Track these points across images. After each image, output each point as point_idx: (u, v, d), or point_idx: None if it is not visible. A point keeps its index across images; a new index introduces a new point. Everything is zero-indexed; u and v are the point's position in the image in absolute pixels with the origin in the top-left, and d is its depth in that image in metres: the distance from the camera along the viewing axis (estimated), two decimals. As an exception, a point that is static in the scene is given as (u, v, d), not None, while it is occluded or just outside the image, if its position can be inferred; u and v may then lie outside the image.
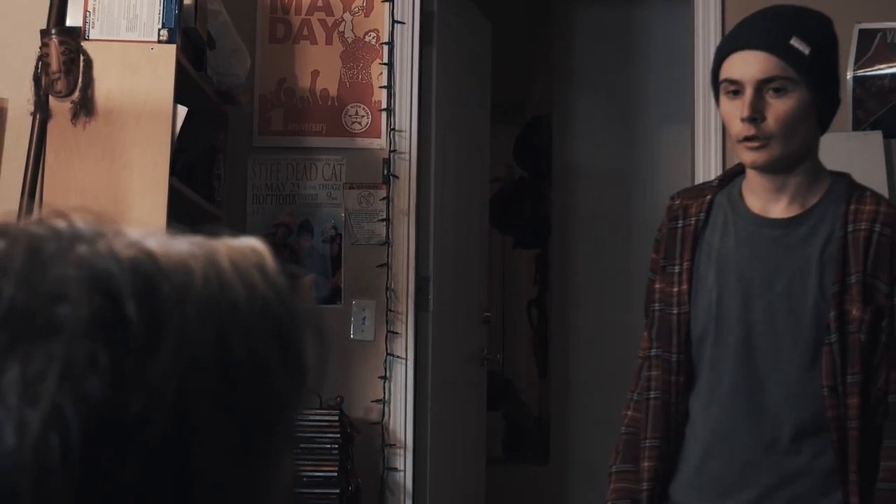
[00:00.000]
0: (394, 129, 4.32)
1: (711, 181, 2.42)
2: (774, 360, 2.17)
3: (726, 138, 4.27)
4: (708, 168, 4.27)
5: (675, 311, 2.26)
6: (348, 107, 4.35)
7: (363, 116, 4.34)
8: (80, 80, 3.38)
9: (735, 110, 2.17)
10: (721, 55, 2.24)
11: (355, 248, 4.29)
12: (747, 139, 2.16)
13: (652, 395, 2.28)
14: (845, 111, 4.24)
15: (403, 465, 4.22)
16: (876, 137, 4.16)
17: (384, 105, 4.34)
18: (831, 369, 2.10)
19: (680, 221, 2.31)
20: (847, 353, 2.10)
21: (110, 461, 0.57)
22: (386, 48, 4.36)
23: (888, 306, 2.12)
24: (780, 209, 2.23)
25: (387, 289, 4.26)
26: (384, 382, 4.22)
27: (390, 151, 4.31)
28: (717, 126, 4.28)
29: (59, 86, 3.38)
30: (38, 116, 3.43)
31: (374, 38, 4.38)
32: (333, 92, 4.35)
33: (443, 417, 4.54)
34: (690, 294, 2.25)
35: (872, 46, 4.27)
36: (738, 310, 2.20)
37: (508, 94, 6.90)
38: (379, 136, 4.34)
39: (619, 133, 6.08)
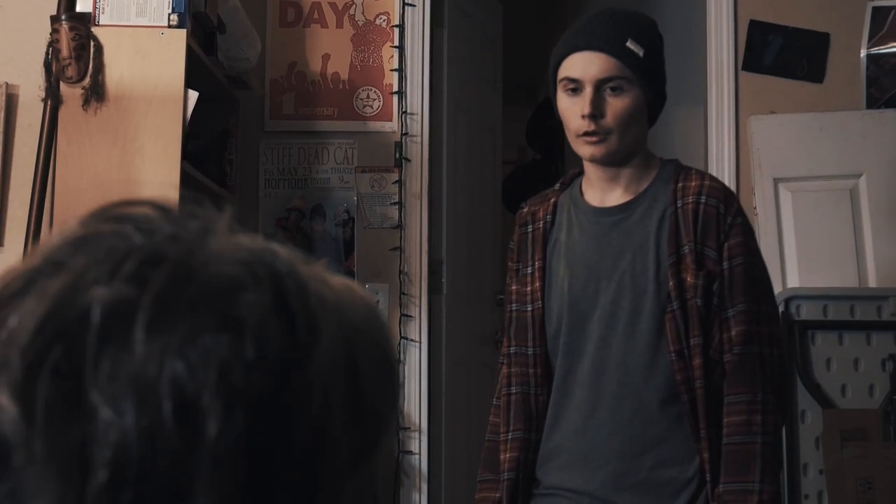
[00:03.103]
0: (405, 112, 4.31)
1: (554, 186, 2.54)
2: (626, 335, 2.28)
3: (739, 117, 4.26)
4: (721, 147, 4.25)
5: (529, 308, 2.40)
6: (359, 90, 4.34)
7: (374, 100, 4.34)
8: (90, 65, 3.38)
9: (575, 107, 2.31)
10: (561, 55, 2.35)
11: (368, 232, 4.29)
12: (587, 134, 2.30)
13: (512, 391, 2.42)
14: (859, 89, 4.22)
15: (418, 448, 4.22)
16: (891, 115, 4.14)
17: (395, 88, 4.33)
18: (676, 335, 2.24)
19: (529, 226, 2.48)
20: (688, 318, 2.24)
21: (271, 442, 0.60)
22: (397, 31, 4.35)
23: (717, 271, 2.26)
24: (615, 198, 2.38)
25: (400, 272, 4.26)
26: (398, 366, 4.22)
27: (402, 134, 4.30)
28: (729, 106, 4.27)
29: (70, 72, 3.38)
30: (49, 102, 3.43)
31: (384, 20, 4.36)
32: (344, 75, 4.34)
33: (457, 400, 4.54)
34: (544, 290, 2.39)
35: (886, 24, 4.24)
36: (589, 295, 2.33)
37: (520, 75, 6.88)
38: (390, 120, 4.33)
39: (631, 114, 6.04)
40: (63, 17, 3.38)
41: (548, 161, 6.98)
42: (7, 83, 3.92)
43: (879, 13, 4.26)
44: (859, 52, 4.26)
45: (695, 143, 4.42)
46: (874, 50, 4.24)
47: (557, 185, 2.52)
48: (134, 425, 0.57)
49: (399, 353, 4.22)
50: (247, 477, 0.58)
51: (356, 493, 0.65)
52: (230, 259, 0.62)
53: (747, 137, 4.21)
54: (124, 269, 0.60)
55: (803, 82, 4.28)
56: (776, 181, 4.12)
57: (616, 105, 2.29)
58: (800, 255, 4.03)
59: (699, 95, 4.44)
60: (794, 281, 3.99)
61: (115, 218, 0.64)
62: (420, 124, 4.32)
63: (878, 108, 4.18)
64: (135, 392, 0.57)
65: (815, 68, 4.28)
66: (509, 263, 2.50)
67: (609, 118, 2.29)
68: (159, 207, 0.65)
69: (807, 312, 3.82)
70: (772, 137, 4.17)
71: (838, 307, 3.84)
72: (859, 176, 4.07)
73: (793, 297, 3.82)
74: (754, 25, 4.31)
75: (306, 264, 0.66)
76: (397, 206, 4.28)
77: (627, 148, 2.34)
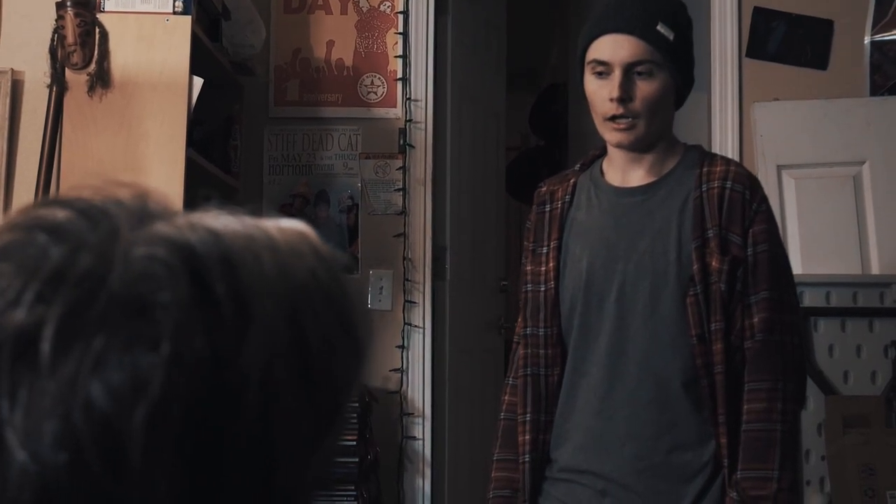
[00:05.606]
0: (409, 98, 4.32)
1: (574, 166, 2.52)
2: (644, 317, 2.27)
3: (742, 104, 4.26)
4: (724, 134, 4.25)
5: (542, 289, 2.38)
6: (364, 76, 4.34)
7: (379, 86, 4.34)
8: (95, 52, 3.39)
9: (602, 90, 2.30)
10: (590, 36, 2.33)
11: (372, 218, 4.30)
12: (615, 118, 2.29)
13: (527, 372, 2.40)
14: (863, 76, 4.22)
15: (422, 433, 4.24)
16: (894, 102, 4.14)
17: (400, 74, 4.33)
18: (698, 319, 2.22)
19: (547, 206, 2.45)
20: (710, 303, 2.23)
21: (208, 445, 0.57)
22: (401, 17, 4.35)
23: (742, 256, 2.25)
24: (638, 178, 2.37)
25: (404, 258, 4.27)
26: (402, 352, 4.24)
27: (406, 121, 4.31)
28: (733, 93, 4.27)
29: (75, 58, 3.38)
30: (54, 89, 3.44)
31: (388, 7, 4.37)
32: (349, 62, 4.35)
33: (460, 386, 4.56)
34: (558, 270, 2.37)
35: (890, 11, 4.24)
36: (607, 275, 2.31)
37: (524, 61, 6.88)
38: (395, 106, 4.33)
39: (635, 100, 6.04)
40: (68, 3, 3.39)
41: (551, 147, 6.99)
42: (12, 69, 3.93)
43: (883, 0, 4.26)
44: (863, 39, 4.26)
45: (698, 130, 4.42)
46: (878, 37, 4.24)
47: (577, 166, 2.50)
48: (53, 463, 0.54)
49: (403, 339, 4.23)
50: (189, 480, 0.56)
51: (320, 465, 0.63)
52: (141, 255, 0.58)
53: (751, 124, 4.21)
54: (31, 290, 0.57)
55: (807, 69, 4.28)
56: (779, 168, 4.12)
57: (645, 89, 2.27)
58: (803, 242, 4.04)
59: (703, 82, 4.43)
60: (797, 268, 3.99)
61: (28, 226, 0.60)
62: (424, 111, 4.32)
63: (882, 95, 4.18)
64: (50, 425, 0.54)
65: (818, 55, 4.28)
66: (525, 243, 2.48)
67: (638, 102, 2.27)
68: (76, 207, 0.61)
69: (810, 299, 3.83)
70: (775, 124, 4.18)
71: (841, 294, 3.85)
72: (863, 163, 4.08)
73: (796, 284, 3.82)
74: (758, 12, 4.31)
75: (243, 228, 0.62)
76: (401, 193, 4.29)
77: (654, 133, 2.33)
